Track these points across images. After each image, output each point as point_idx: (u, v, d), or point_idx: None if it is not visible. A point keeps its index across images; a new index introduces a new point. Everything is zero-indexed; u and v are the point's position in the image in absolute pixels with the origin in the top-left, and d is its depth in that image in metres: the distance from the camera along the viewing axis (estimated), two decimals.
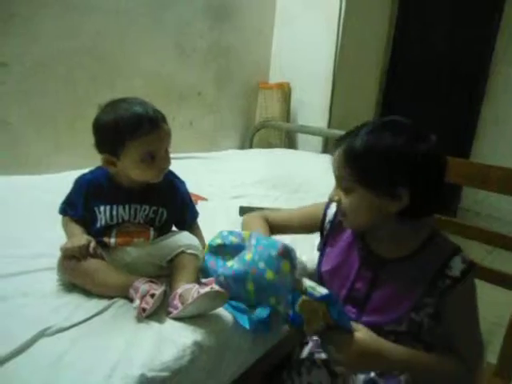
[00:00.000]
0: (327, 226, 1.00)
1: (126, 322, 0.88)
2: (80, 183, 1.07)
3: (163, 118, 1.02)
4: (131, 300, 0.91)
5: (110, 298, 0.95)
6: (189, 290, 0.88)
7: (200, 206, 1.26)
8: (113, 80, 2.09)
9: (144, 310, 0.88)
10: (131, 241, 1.04)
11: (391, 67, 3.16)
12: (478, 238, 1.16)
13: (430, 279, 0.82)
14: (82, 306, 0.92)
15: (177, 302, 0.89)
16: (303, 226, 1.09)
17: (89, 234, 1.03)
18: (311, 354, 0.95)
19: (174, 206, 1.10)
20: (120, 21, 2.07)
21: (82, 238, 0.98)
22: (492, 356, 1.09)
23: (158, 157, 1.00)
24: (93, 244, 0.97)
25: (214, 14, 2.51)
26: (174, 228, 1.15)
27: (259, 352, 1.02)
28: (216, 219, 1.35)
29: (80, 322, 0.87)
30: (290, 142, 2.97)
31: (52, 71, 1.86)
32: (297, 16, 2.81)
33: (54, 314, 0.88)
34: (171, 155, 1.05)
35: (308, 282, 0.78)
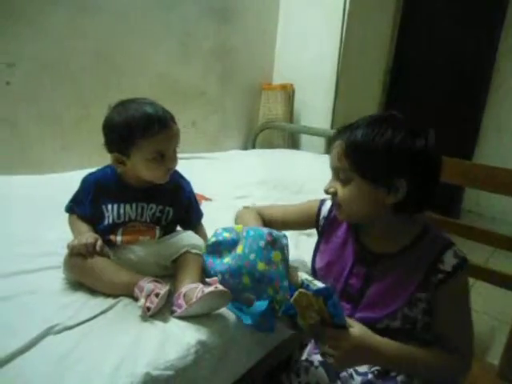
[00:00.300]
0: (321, 222, 1.02)
1: (130, 320, 0.89)
2: (88, 182, 1.09)
3: (172, 118, 1.03)
4: (136, 299, 0.92)
5: (115, 296, 0.96)
6: (193, 290, 0.89)
7: (204, 207, 1.27)
8: (118, 80, 2.10)
9: (149, 309, 0.89)
10: (137, 239, 1.05)
11: (395, 68, 3.16)
12: (481, 239, 1.16)
13: (423, 274, 0.83)
14: (87, 304, 0.93)
15: (181, 301, 0.90)
16: (297, 222, 1.09)
17: (95, 232, 1.04)
18: (309, 354, 0.95)
19: (180, 205, 1.11)
20: (126, 22, 2.08)
21: (89, 236, 0.99)
22: (494, 357, 1.09)
23: (166, 156, 1.01)
24: (99, 242, 0.98)
25: (219, 16, 2.52)
26: (178, 228, 1.16)
27: (262, 351, 1.02)
28: (220, 219, 1.36)
29: (85, 321, 0.88)
30: (293, 143, 2.98)
31: (58, 71, 1.88)
32: (300, 17, 2.81)
33: (61, 312, 0.89)
34: None
35: (304, 275, 0.79)
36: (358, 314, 0.88)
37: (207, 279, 0.95)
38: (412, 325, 0.85)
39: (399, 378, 0.85)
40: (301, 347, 0.99)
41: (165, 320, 0.90)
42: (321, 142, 2.80)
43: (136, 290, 0.92)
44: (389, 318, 0.85)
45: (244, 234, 0.96)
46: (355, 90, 2.85)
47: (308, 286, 0.76)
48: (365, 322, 0.84)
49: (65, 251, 0.99)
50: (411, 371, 0.84)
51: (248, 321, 0.89)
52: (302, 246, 1.29)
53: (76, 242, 0.98)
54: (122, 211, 1.05)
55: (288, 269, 0.94)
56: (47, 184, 1.66)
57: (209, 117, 2.68)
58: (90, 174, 1.10)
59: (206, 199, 1.75)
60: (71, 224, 1.09)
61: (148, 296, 0.89)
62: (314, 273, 0.99)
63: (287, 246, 0.97)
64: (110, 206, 1.05)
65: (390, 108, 3.18)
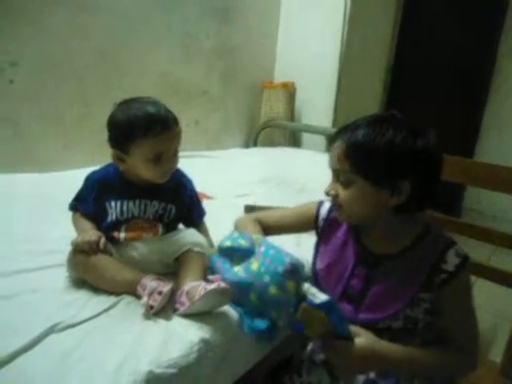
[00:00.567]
0: (321, 223, 1.00)
1: (133, 318, 0.89)
2: (92, 180, 1.09)
3: (174, 119, 1.03)
4: (139, 297, 0.92)
5: (118, 294, 0.96)
6: (196, 287, 0.89)
7: (205, 205, 1.27)
8: (121, 79, 2.10)
9: (151, 306, 0.89)
10: (140, 236, 1.05)
11: (396, 67, 3.16)
12: (483, 237, 1.16)
13: (425, 275, 0.82)
14: (90, 302, 0.93)
15: (184, 298, 0.90)
16: (296, 226, 1.08)
17: (99, 230, 1.04)
18: (311, 354, 0.95)
19: (183, 203, 1.12)
20: (128, 22, 2.08)
21: (92, 234, 0.99)
22: (496, 354, 1.09)
23: (165, 157, 1.01)
24: (103, 240, 0.99)
25: (220, 15, 2.52)
26: (180, 226, 1.16)
27: (265, 350, 1.03)
28: (221, 218, 1.36)
29: (88, 319, 0.88)
30: (294, 141, 2.98)
31: (61, 70, 1.88)
32: (301, 16, 2.81)
33: (63, 310, 0.89)
34: None
35: (310, 289, 0.78)
36: (360, 315, 0.87)
37: (209, 277, 0.96)
38: (413, 325, 0.85)
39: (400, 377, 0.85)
40: (302, 347, 0.99)
41: (168, 318, 0.90)
42: (322, 140, 2.80)
43: (139, 288, 0.93)
44: (390, 318, 0.85)
45: (262, 249, 0.92)
46: (356, 88, 2.85)
47: (311, 300, 0.76)
48: (366, 323, 0.84)
49: (68, 249, 1.00)
50: (421, 374, 0.84)
51: (244, 328, 0.89)
52: (303, 244, 1.29)
53: (79, 239, 0.98)
54: (125, 208, 1.05)
55: (300, 299, 0.85)
56: (50, 182, 1.67)
57: (211, 115, 2.68)
58: (94, 173, 1.11)
59: (208, 197, 1.75)
60: (75, 222, 1.09)
61: (151, 294, 0.90)
62: (315, 274, 0.97)
63: (306, 277, 0.91)
64: (113, 203, 1.05)
65: (391, 106, 3.18)
